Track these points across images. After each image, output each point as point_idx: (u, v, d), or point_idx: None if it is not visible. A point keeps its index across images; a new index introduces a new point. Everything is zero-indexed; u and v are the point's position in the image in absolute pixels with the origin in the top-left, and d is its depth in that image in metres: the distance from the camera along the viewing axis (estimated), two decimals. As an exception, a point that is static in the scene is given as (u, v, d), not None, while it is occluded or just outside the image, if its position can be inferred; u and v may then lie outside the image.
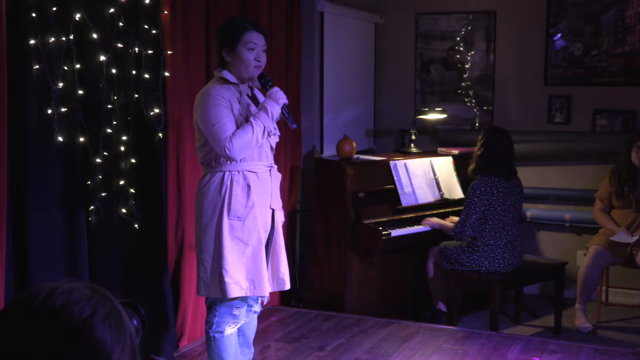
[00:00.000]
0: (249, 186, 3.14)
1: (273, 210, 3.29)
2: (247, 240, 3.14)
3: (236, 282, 3.11)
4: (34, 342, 0.99)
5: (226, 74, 3.15)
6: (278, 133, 3.31)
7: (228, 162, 3.12)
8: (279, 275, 3.31)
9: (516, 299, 5.05)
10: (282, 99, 3.18)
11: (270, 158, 3.29)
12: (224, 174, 3.13)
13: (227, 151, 3.03)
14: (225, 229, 3.10)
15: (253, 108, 3.21)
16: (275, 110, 3.16)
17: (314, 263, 5.08)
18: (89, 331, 1.00)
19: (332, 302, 4.92)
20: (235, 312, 3.22)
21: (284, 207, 5.05)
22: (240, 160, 3.12)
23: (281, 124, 3.41)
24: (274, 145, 3.31)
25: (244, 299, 3.24)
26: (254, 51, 3.14)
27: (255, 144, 3.10)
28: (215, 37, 3.26)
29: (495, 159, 4.54)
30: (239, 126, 3.09)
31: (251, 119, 3.10)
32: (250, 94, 3.28)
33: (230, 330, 3.25)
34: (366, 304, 4.95)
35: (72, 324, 1.00)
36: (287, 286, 3.34)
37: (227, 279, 3.08)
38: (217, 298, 3.20)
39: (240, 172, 3.14)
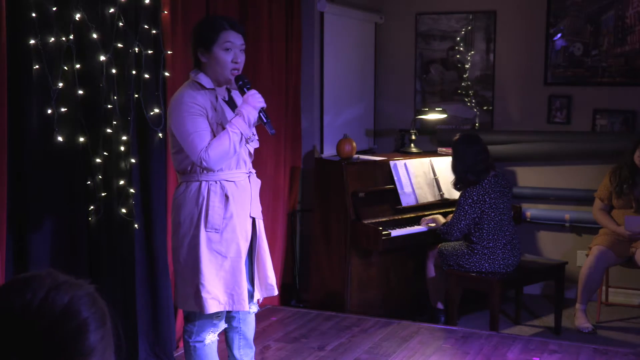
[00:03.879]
0: (227, 197, 3.01)
1: (254, 219, 3.17)
2: (226, 253, 3.01)
3: (214, 297, 2.99)
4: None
5: (202, 78, 3.00)
6: (256, 138, 3.19)
7: (205, 171, 2.99)
8: (267, 281, 3.22)
9: (516, 299, 5.05)
10: (260, 102, 3.03)
11: (248, 164, 3.16)
12: (200, 184, 3.00)
13: (204, 162, 2.90)
14: (202, 242, 2.98)
15: (229, 113, 3.07)
16: (252, 115, 3.00)
17: (314, 263, 5.08)
18: (74, 313, 1.02)
19: (332, 302, 4.92)
20: (215, 321, 3.13)
21: (283, 207, 5.09)
22: (218, 169, 3.00)
23: (261, 128, 3.25)
24: (252, 151, 3.19)
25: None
26: (231, 52, 2.99)
27: (233, 153, 2.96)
28: (192, 36, 3.08)
29: (466, 168, 4.55)
30: (214, 133, 2.97)
31: (227, 126, 2.96)
32: (226, 98, 3.14)
33: (210, 338, 3.15)
34: (366, 304, 4.95)
35: (57, 310, 1.02)
36: (276, 292, 3.25)
37: (204, 294, 2.96)
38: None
39: (218, 182, 3.01)
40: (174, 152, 3.07)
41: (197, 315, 3.10)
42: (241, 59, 3.03)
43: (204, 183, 3.00)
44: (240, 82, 3.06)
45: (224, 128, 2.99)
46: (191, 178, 3.02)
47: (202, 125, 2.93)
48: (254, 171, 3.20)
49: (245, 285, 3.07)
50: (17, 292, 1.03)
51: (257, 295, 3.21)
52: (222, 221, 3.00)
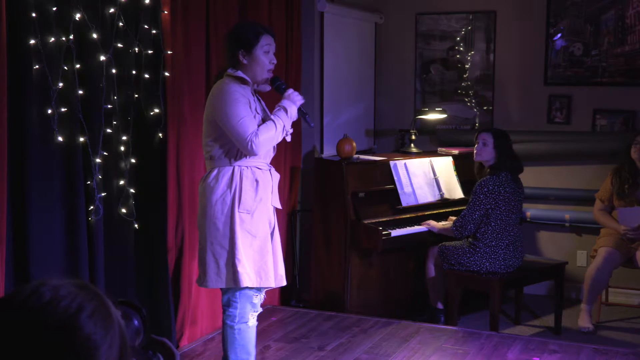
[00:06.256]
0: (257, 181, 3.24)
1: (273, 208, 3.38)
2: (255, 233, 3.24)
3: (247, 273, 3.21)
4: (18, 340, 0.99)
5: (241, 74, 3.23)
6: (291, 132, 3.38)
7: (239, 157, 3.21)
8: (278, 271, 3.38)
9: (516, 299, 5.05)
10: (299, 99, 3.32)
11: (271, 157, 3.38)
12: (233, 169, 3.22)
13: (253, 145, 3.12)
14: (236, 222, 3.19)
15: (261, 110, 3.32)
16: (293, 110, 3.28)
17: (314, 263, 5.08)
18: (74, 328, 1.00)
19: (332, 302, 4.92)
20: (255, 300, 3.30)
21: (283, 207, 5.08)
22: (247, 156, 3.21)
23: (295, 123, 3.48)
24: (276, 146, 3.40)
25: (258, 288, 3.32)
26: (269, 54, 3.26)
27: (276, 141, 3.24)
28: (230, 39, 3.31)
29: (511, 158, 4.62)
30: (258, 124, 3.20)
31: (272, 116, 3.22)
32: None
33: (252, 320, 3.32)
34: (366, 304, 4.95)
35: (58, 321, 1.00)
36: (284, 282, 3.43)
37: (240, 269, 3.18)
38: (235, 292, 3.25)
39: (249, 168, 3.24)
40: (209, 140, 3.26)
41: (236, 297, 3.26)
42: (275, 60, 3.30)
43: (236, 168, 3.23)
44: (278, 82, 3.35)
45: (264, 120, 3.23)
46: (224, 163, 3.23)
47: (248, 113, 3.16)
48: (272, 166, 3.41)
49: (271, 264, 3.29)
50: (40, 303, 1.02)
51: (273, 281, 3.35)
52: (253, 203, 3.23)
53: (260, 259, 3.26)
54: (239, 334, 3.28)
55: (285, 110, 3.24)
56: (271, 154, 3.37)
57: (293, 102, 3.28)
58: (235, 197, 3.19)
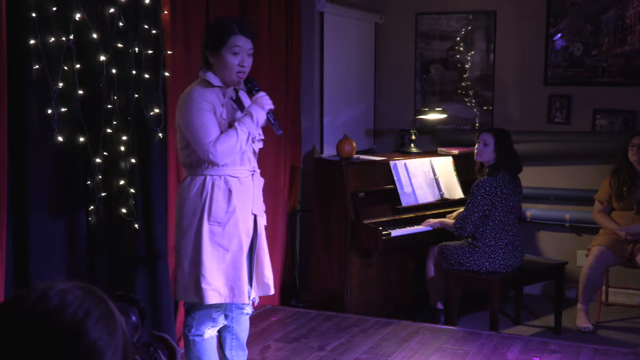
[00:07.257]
0: (230, 191, 3.08)
1: (255, 216, 3.22)
2: (227, 246, 3.09)
3: (214, 289, 3.06)
4: (25, 344, 0.99)
5: (210, 77, 3.08)
6: (262, 138, 3.25)
7: (210, 166, 3.07)
8: (263, 280, 3.25)
9: (516, 299, 5.05)
10: (268, 104, 3.12)
11: (252, 162, 3.23)
12: (205, 178, 3.08)
13: (211, 156, 2.98)
14: (205, 234, 3.05)
15: (239, 113, 3.15)
16: (261, 115, 3.09)
17: (314, 263, 5.08)
18: (81, 333, 1.01)
19: (332, 302, 4.92)
20: (214, 315, 3.19)
21: (284, 207, 5.08)
22: (222, 164, 3.07)
23: (267, 129, 3.34)
24: (257, 150, 3.26)
25: (220, 305, 3.19)
26: (239, 56, 3.06)
27: (239, 150, 3.05)
28: (203, 37, 3.20)
29: (509, 159, 4.61)
30: (222, 130, 3.04)
31: (236, 124, 3.04)
32: (234, 97, 3.21)
33: (210, 332, 3.21)
34: (366, 304, 4.95)
35: (65, 326, 1.00)
36: (272, 291, 3.29)
37: (204, 285, 3.04)
38: (196, 304, 3.15)
39: (222, 177, 3.09)
40: (180, 147, 3.16)
41: (196, 308, 3.16)
42: (248, 62, 3.10)
43: (208, 177, 3.08)
44: (250, 84, 3.16)
45: (231, 125, 3.06)
46: (196, 172, 3.10)
47: (209, 120, 3.02)
48: (258, 170, 3.26)
49: (245, 278, 3.13)
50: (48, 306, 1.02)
51: (253, 294, 3.25)
52: (225, 215, 3.07)
53: (233, 273, 3.09)
54: (193, 345, 3.20)
55: (251, 116, 3.06)
56: (250, 159, 3.20)
57: (261, 106, 3.09)
58: (205, 208, 3.04)
